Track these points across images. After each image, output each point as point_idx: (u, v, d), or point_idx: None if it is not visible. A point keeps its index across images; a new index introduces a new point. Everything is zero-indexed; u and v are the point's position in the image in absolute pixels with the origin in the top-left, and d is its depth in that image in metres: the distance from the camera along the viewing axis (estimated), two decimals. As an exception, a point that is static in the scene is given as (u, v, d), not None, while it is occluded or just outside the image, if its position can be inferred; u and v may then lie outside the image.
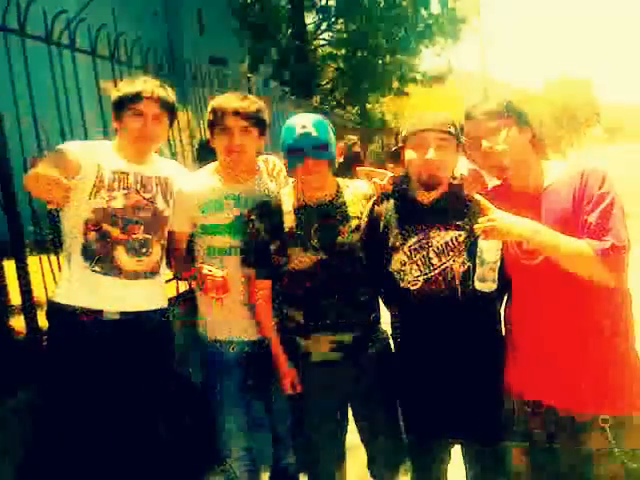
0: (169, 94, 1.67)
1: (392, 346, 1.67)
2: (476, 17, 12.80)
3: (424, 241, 1.50)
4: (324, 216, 1.61)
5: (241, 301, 1.71)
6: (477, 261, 1.35)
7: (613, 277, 1.26)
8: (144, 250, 1.63)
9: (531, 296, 1.40)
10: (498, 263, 1.33)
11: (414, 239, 1.51)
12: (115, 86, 1.82)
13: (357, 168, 1.81)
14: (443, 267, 1.48)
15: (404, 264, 1.50)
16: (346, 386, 1.62)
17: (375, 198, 1.64)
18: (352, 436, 1.72)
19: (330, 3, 10.28)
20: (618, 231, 1.25)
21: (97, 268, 1.58)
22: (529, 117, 1.43)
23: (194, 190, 1.73)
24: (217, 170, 1.76)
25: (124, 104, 1.61)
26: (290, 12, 10.13)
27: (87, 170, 1.56)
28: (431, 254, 1.49)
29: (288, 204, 1.63)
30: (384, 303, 1.68)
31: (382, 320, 1.71)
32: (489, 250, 1.32)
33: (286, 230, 1.60)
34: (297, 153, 1.54)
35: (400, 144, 1.53)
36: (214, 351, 1.74)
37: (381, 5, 9.61)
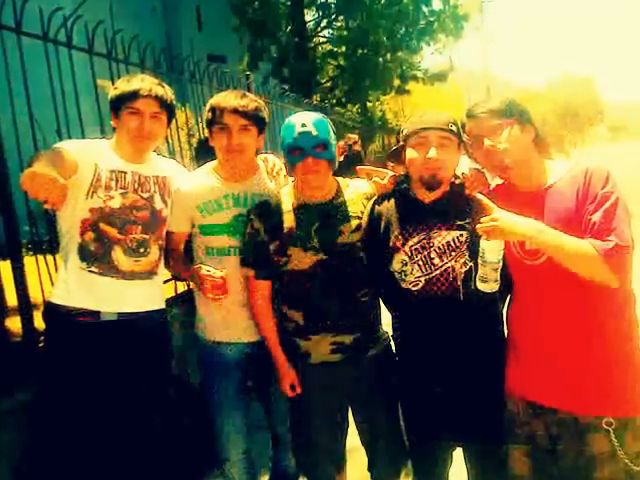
0: (167, 92, 1.65)
1: (393, 347, 1.65)
2: (478, 14, 12.76)
3: (425, 241, 1.48)
4: (324, 216, 1.59)
5: (240, 302, 1.69)
6: (479, 261, 1.34)
7: (616, 278, 1.25)
8: (142, 250, 1.62)
9: (533, 297, 1.39)
10: (500, 263, 1.32)
11: (415, 239, 1.49)
12: (112, 84, 1.80)
13: (357, 167, 1.80)
14: (445, 267, 1.46)
15: (405, 264, 1.49)
16: (346, 387, 1.61)
17: (376, 198, 1.63)
18: (352, 438, 1.71)
19: (330, 0, 10.23)
20: (622, 231, 1.24)
21: (94, 268, 1.57)
22: (531, 116, 1.41)
23: (192, 189, 1.71)
24: (216, 169, 1.74)
25: (121, 102, 1.60)
26: (290, 9, 10.08)
27: (84, 169, 1.55)
28: (432, 254, 1.47)
29: (288, 204, 1.62)
30: (385, 303, 1.66)
31: (382, 321, 1.69)
32: (491, 250, 1.31)
33: (286, 230, 1.58)
34: (297, 152, 1.53)
35: (401, 143, 1.52)
36: (213, 352, 1.72)
37: (382, 2, 9.56)
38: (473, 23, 11.72)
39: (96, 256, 1.56)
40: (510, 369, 1.46)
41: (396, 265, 1.50)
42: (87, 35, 2.22)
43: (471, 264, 1.44)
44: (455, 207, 1.50)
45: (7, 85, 1.88)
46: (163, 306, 1.74)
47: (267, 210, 1.62)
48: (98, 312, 1.56)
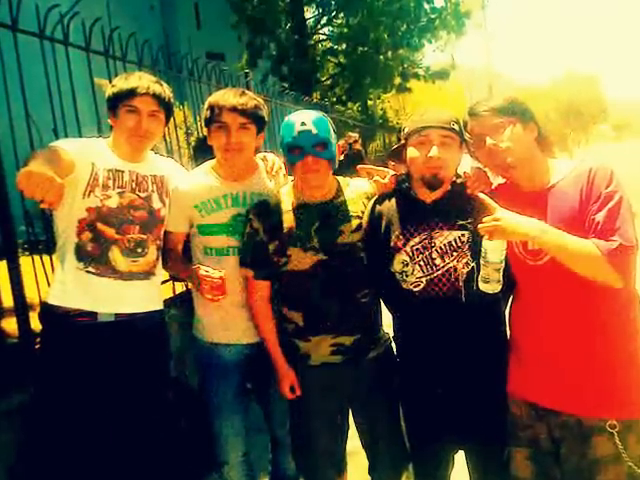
0: (165, 90, 1.63)
1: (394, 348, 1.63)
2: (480, 11, 12.72)
3: (427, 241, 1.46)
4: (324, 215, 1.58)
5: (239, 303, 1.67)
6: (481, 262, 1.32)
7: (620, 278, 1.24)
8: (139, 250, 1.60)
9: (536, 297, 1.38)
10: (503, 264, 1.30)
11: (416, 239, 1.47)
12: (110, 82, 1.77)
13: (358, 166, 1.78)
14: (446, 268, 1.44)
15: (406, 264, 1.47)
16: (346, 388, 1.59)
17: (376, 197, 1.61)
18: (353, 441, 1.69)
19: (330, -3, 10.19)
20: (625, 231, 1.23)
21: (91, 269, 1.55)
22: (534, 114, 1.40)
23: (190, 189, 1.69)
24: (214, 168, 1.72)
25: (119, 100, 1.58)
26: (289, 6, 10.04)
27: (81, 168, 1.53)
28: (434, 254, 1.45)
29: (287, 203, 1.60)
30: (385, 304, 1.65)
31: (383, 322, 1.67)
32: (493, 250, 1.29)
33: (285, 230, 1.57)
34: (296, 151, 1.51)
35: (402, 141, 1.50)
36: (211, 354, 1.70)
37: (382, -2, 9.52)
38: (475, 20, 11.68)
39: (93, 256, 1.55)
40: (512, 370, 1.45)
41: (397, 265, 1.49)
42: (84, 33, 2.19)
43: (473, 264, 1.42)
44: (457, 207, 1.48)
45: (3, 83, 1.86)
46: (161, 307, 1.72)
47: (266, 210, 1.60)
48: (95, 313, 1.54)
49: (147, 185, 1.65)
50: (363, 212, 1.60)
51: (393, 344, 1.64)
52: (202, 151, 2.01)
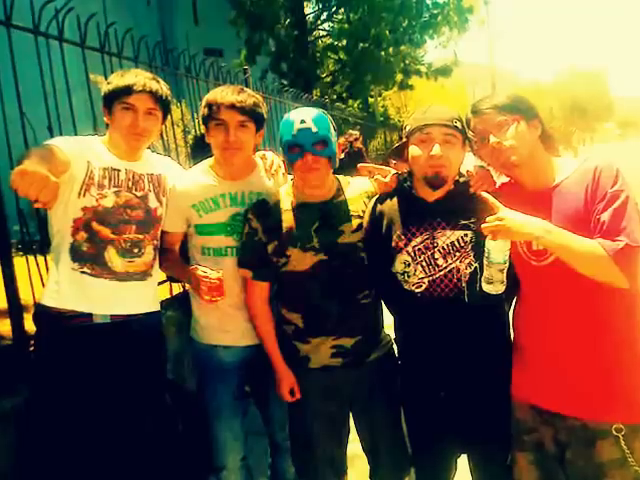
0: (162, 87, 1.61)
1: (395, 350, 1.62)
2: (483, 6, 12.64)
3: (429, 241, 1.44)
4: (324, 215, 1.55)
5: (237, 304, 1.65)
6: (484, 262, 1.30)
7: (626, 278, 1.22)
8: (136, 251, 1.58)
9: (540, 298, 1.36)
10: (506, 264, 1.28)
11: (418, 239, 1.45)
12: (105, 79, 1.74)
13: (359, 165, 1.75)
14: (449, 268, 1.42)
15: (408, 265, 1.45)
16: (347, 390, 1.57)
17: (377, 196, 1.59)
18: (353, 445, 1.67)
19: (330, -8, 10.12)
20: (632, 231, 1.21)
21: (87, 269, 1.52)
22: (538, 111, 1.37)
23: (188, 188, 1.66)
24: (212, 167, 1.70)
25: (115, 98, 1.55)
26: (289, 1, 9.95)
27: (76, 167, 1.50)
28: (436, 255, 1.43)
29: (287, 202, 1.58)
30: (386, 305, 1.63)
31: (385, 323, 1.65)
32: (497, 251, 1.27)
33: (285, 230, 1.54)
34: (296, 149, 1.49)
35: (404, 140, 1.48)
36: (209, 356, 1.69)
37: (384, -7, 9.43)
38: (478, 16, 11.54)
39: (89, 256, 1.52)
40: (516, 373, 1.43)
41: (398, 266, 1.46)
42: (79, 28, 2.16)
43: (476, 265, 1.40)
44: (460, 206, 1.45)
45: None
46: (158, 308, 1.70)
47: (265, 209, 1.58)
48: (90, 314, 1.52)
49: (144, 184, 1.63)
50: (364, 211, 1.57)
51: (394, 346, 1.62)
52: (200, 149, 1.99)
